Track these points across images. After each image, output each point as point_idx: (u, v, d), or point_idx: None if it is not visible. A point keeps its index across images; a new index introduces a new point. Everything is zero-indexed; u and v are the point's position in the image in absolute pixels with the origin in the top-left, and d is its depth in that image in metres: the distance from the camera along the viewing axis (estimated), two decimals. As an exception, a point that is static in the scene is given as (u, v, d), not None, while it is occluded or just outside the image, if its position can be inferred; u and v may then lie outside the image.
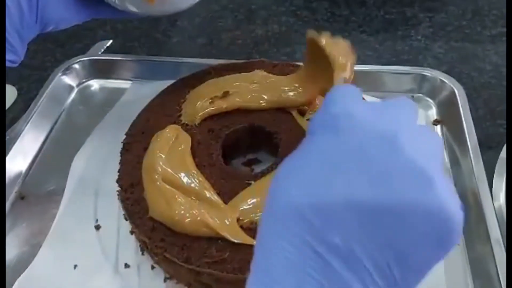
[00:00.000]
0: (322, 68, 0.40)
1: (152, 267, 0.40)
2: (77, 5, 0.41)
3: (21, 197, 0.48)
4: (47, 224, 0.44)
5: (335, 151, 0.22)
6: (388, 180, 0.21)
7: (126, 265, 0.40)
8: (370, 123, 0.23)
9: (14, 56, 0.38)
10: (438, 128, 0.52)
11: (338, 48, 0.38)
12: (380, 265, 0.21)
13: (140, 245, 0.41)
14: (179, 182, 0.39)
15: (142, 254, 0.41)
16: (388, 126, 0.22)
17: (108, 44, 0.66)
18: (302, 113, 0.45)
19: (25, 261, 0.42)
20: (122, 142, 0.45)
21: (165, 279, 0.39)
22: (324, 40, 0.39)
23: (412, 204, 0.21)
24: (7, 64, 0.39)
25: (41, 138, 0.53)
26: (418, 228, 0.21)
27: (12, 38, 0.37)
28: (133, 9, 0.41)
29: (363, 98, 0.41)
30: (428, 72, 0.55)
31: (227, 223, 0.36)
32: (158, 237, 0.37)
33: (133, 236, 0.42)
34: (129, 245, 0.42)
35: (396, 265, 0.21)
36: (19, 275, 0.40)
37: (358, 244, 0.21)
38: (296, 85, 0.46)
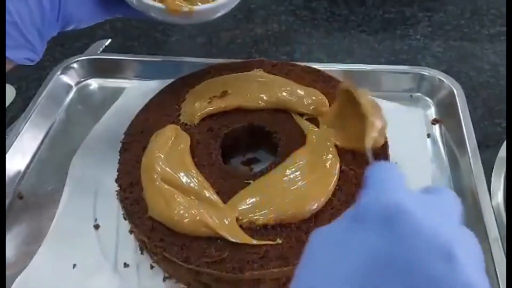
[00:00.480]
0: (348, 114, 0.41)
1: (151, 267, 0.40)
2: (99, 4, 0.40)
3: (19, 196, 0.48)
4: (46, 224, 0.44)
5: (385, 253, 0.21)
6: None
7: (125, 265, 0.41)
8: (428, 228, 0.21)
9: (32, 55, 0.38)
10: (436, 127, 0.52)
11: (374, 109, 0.38)
12: None
13: (139, 245, 0.41)
14: (178, 181, 0.39)
15: (141, 253, 0.41)
16: (444, 234, 0.21)
17: (107, 43, 0.66)
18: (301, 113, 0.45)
19: (23, 261, 0.42)
20: (121, 142, 0.45)
21: (164, 279, 0.40)
22: (363, 98, 0.39)
23: None
24: (25, 62, 0.38)
25: (40, 137, 0.53)
26: None
27: (31, 36, 0.37)
28: (158, 18, 0.40)
29: None
30: (426, 72, 0.55)
31: (226, 222, 0.36)
32: (157, 237, 0.37)
33: (132, 236, 0.42)
34: (128, 245, 0.42)
35: None
36: (18, 275, 0.40)
37: None
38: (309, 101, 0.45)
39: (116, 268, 0.41)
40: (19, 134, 0.51)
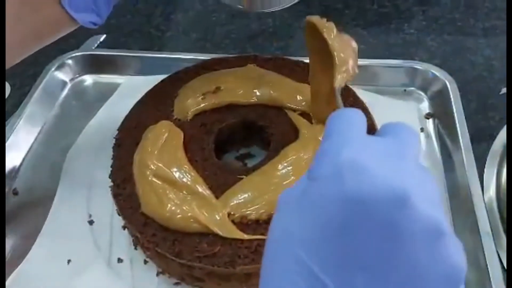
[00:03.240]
0: (324, 62, 0.38)
1: (145, 262, 0.41)
2: None
3: (14, 192, 0.48)
4: (41, 220, 0.44)
5: (340, 209, 0.20)
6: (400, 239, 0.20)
7: (119, 260, 0.41)
8: (382, 178, 0.20)
9: (96, 18, 0.38)
10: (430, 121, 0.52)
11: (341, 42, 0.36)
12: None
13: (133, 240, 0.41)
14: (171, 177, 0.39)
15: (135, 248, 0.41)
16: (398, 180, 0.20)
17: (101, 39, 0.66)
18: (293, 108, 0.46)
19: (19, 256, 0.42)
20: (114, 138, 0.45)
21: (158, 273, 0.40)
22: (326, 31, 0.36)
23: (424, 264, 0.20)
24: (87, 25, 0.38)
25: (35, 134, 0.53)
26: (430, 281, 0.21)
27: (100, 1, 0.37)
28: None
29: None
30: (420, 66, 0.55)
31: (218, 218, 0.36)
32: (150, 232, 0.37)
33: (126, 231, 0.42)
34: (122, 240, 0.42)
35: None
36: (13, 270, 0.41)
37: None
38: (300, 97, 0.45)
39: (110, 263, 0.41)
40: (14, 130, 0.51)
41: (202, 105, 0.46)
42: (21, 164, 0.50)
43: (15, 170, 0.50)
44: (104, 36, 0.66)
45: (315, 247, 0.21)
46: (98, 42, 0.65)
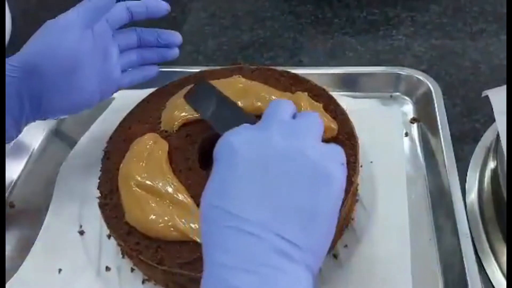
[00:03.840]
0: None
1: (132, 270, 0.42)
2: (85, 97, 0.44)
3: (11, 205, 0.50)
4: (36, 231, 0.46)
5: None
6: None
7: (107, 268, 0.42)
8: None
9: (8, 139, 0.41)
10: (415, 126, 0.53)
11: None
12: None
13: (120, 249, 0.43)
14: (154, 187, 0.40)
15: (123, 257, 0.43)
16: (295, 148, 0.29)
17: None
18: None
19: (13, 267, 0.44)
20: (103, 150, 0.47)
21: (144, 281, 0.41)
22: None
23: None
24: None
25: (30, 149, 0.55)
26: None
27: (7, 123, 0.40)
28: None
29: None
30: (404, 71, 0.56)
31: (198, 226, 0.37)
32: (133, 241, 0.39)
33: (113, 240, 0.43)
34: (110, 249, 0.43)
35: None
36: (8, 280, 0.42)
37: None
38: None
39: (99, 272, 0.42)
40: (10, 145, 0.53)
41: (187, 116, 0.47)
42: (17, 177, 0.52)
43: (12, 185, 0.52)
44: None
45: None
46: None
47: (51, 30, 0.41)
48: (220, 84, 0.49)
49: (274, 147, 0.29)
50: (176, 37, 0.50)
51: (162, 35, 0.50)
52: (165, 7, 0.48)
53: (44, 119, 0.43)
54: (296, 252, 0.26)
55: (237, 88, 0.49)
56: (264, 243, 0.25)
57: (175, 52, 0.51)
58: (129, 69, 0.49)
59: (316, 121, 0.32)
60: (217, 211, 0.27)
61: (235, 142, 0.29)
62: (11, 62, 0.39)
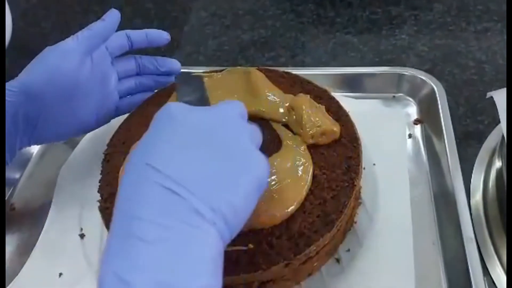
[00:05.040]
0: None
1: (133, 274, 0.42)
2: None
3: (12, 208, 0.50)
4: (36, 234, 0.46)
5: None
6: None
7: (108, 272, 0.42)
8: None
9: (4, 138, 0.41)
10: (418, 127, 0.52)
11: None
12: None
13: (121, 253, 0.42)
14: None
15: (123, 261, 0.42)
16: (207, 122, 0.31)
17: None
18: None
19: (13, 271, 0.43)
20: (103, 153, 0.46)
21: (144, 285, 0.41)
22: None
23: None
24: None
25: (31, 150, 0.55)
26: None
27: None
28: None
29: None
30: (407, 72, 0.55)
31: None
32: (133, 245, 0.38)
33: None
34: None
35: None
36: (9, 283, 0.42)
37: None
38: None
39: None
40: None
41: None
42: (17, 180, 0.52)
43: (13, 187, 0.52)
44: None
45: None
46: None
47: (50, 56, 0.41)
48: (221, 85, 0.49)
49: (206, 121, 0.31)
50: (175, 64, 0.51)
51: (162, 62, 0.51)
52: (165, 36, 0.49)
53: (39, 144, 0.43)
54: (210, 214, 0.27)
55: (240, 89, 0.48)
56: (183, 201, 0.27)
57: (172, 79, 0.52)
58: (128, 96, 0.50)
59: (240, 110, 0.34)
60: (144, 167, 0.28)
61: (173, 109, 0.31)
62: (9, 87, 0.40)
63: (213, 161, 0.29)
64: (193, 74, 0.50)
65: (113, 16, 0.45)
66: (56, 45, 0.42)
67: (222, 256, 0.28)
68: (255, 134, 0.33)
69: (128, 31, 0.48)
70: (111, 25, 0.45)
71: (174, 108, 0.32)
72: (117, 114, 0.49)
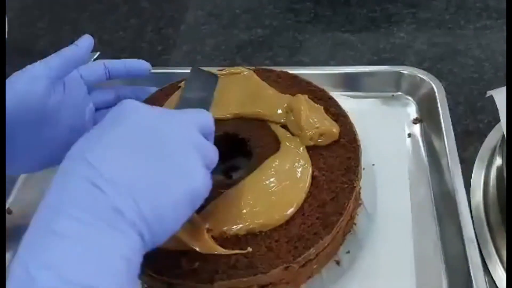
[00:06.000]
0: None
1: (131, 278, 0.41)
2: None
3: (8, 212, 0.49)
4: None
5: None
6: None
7: (106, 277, 0.41)
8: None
9: (4, 139, 0.38)
10: (417, 126, 0.52)
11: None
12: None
13: (119, 257, 0.42)
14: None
15: (121, 265, 0.42)
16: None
17: (95, 57, 0.67)
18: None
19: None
20: (100, 155, 0.46)
21: (143, 290, 0.40)
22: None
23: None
24: None
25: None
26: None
27: None
28: None
29: None
30: (406, 70, 0.55)
31: (197, 235, 0.36)
32: (131, 250, 0.38)
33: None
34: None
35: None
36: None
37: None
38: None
39: (97, 280, 0.41)
40: (6, 151, 0.52)
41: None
42: (14, 184, 0.52)
43: (9, 190, 0.51)
44: (98, 53, 0.67)
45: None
46: (92, 59, 0.67)
47: (17, 81, 0.38)
48: (237, 82, 0.48)
49: (158, 125, 0.31)
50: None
51: (142, 94, 0.49)
52: (146, 67, 0.47)
53: (9, 174, 0.42)
54: (132, 215, 0.27)
55: (251, 88, 0.48)
56: (106, 199, 0.26)
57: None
58: None
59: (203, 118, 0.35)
60: (78, 160, 0.28)
61: (128, 107, 0.31)
62: None
63: (150, 166, 0.29)
64: (212, 71, 0.48)
65: (86, 41, 0.42)
66: (23, 69, 0.39)
67: (139, 261, 0.28)
68: (208, 152, 0.33)
69: (106, 60, 0.46)
70: (84, 50, 0.42)
71: (129, 106, 0.31)
72: None
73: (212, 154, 0.34)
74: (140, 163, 0.29)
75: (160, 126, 0.31)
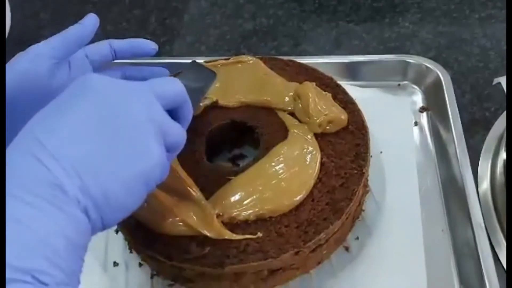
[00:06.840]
0: None
1: (140, 264, 0.41)
2: None
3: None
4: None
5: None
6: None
7: (115, 263, 0.42)
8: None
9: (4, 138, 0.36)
10: (424, 115, 0.52)
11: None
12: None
13: (128, 243, 0.42)
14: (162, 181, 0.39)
15: (130, 252, 0.42)
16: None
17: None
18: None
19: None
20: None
21: (152, 276, 0.40)
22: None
23: None
24: None
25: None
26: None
27: None
28: None
29: None
30: (413, 59, 0.55)
31: (207, 220, 0.37)
32: (141, 235, 0.38)
33: (121, 235, 0.43)
34: (117, 244, 0.43)
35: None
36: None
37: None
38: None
39: (106, 267, 0.42)
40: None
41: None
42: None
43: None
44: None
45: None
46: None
47: (19, 61, 0.38)
48: (244, 70, 0.48)
49: (117, 101, 0.29)
50: (165, 73, 0.48)
51: (149, 74, 0.47)
52: (152, 46, 0.45)
53: None
54: (75, 192, 0.26)
55: (258, 76, 0.48)
56: (49, 174, 0.25)
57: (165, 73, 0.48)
58: None
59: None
60: (30, 135, 0.26)
61: (88, 80, 0.29)
62: None
63: (100, 142, 0.27)
64: (208, 65, 0.47)
65: (90, 19, 0.41)
66: (27, 49, 0.39)
67: (85, 241, 0.27)
68: (170, 130, 0.30)
69: (112, 40, 0.44)
70: (88, 29, 0.40)
71: (88, 80, 0.29)
72: None
73: (175, 132, 0.31)
74: (90, 139, 0.27)
75: (116, 100, 0.29)
